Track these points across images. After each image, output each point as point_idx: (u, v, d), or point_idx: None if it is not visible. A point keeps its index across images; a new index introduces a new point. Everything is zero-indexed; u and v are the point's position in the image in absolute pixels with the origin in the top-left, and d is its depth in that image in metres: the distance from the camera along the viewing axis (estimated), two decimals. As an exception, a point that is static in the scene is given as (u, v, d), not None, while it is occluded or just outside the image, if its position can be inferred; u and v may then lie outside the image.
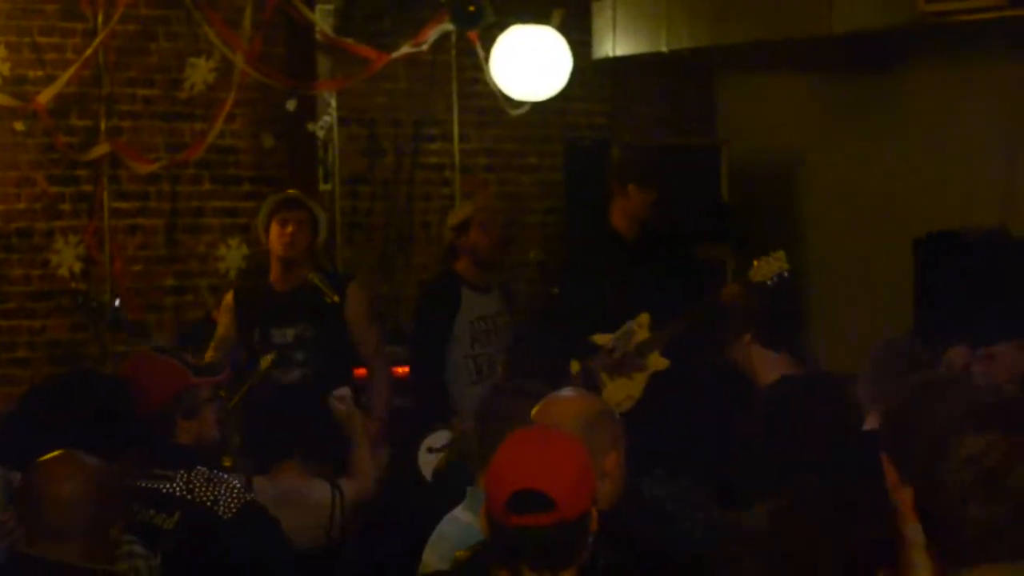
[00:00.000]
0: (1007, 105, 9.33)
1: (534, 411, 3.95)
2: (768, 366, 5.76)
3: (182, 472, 4.64)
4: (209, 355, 7.17)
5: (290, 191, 7.49)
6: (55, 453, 3.94)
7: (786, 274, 7.14)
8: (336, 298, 7.14)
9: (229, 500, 4.67)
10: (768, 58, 10.38)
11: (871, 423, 4.68)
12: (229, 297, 7.45)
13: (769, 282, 7.12)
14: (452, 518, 4.15)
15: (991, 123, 9.44)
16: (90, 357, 8.26)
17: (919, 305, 8.83)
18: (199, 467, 4.69)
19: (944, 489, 2.68)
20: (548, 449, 3.27)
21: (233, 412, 6.47)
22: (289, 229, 7.15)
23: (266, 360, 6.82)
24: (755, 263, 7.22)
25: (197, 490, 4.63)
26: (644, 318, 7.35)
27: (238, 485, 4.77)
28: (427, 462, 7.06)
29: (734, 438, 5.48)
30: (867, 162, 10.11)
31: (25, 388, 6.78)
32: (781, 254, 7.15)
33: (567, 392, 4.14)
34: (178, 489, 4.62)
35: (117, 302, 6.52)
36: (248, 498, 4.77)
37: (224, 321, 7.40)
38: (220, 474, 4.75)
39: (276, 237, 7.19)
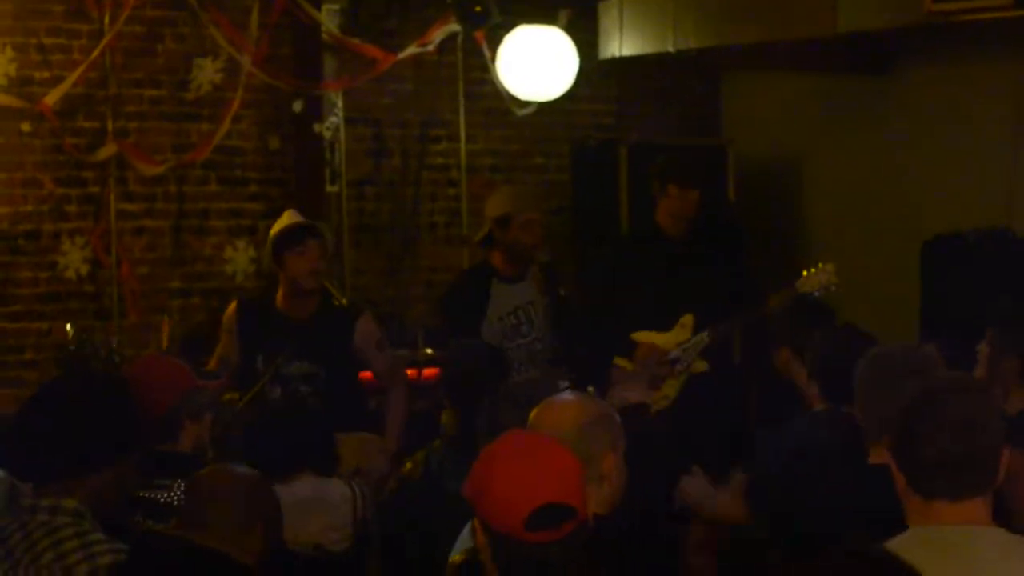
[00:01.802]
0: (1013, 105, 9.31)
1: (531, 416, 3.96)
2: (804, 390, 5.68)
3: (179, 480, 4.62)
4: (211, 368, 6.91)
5: (296, 217, 6.99)
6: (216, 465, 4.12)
7: (833, 288, 7.10)
8: (344, 301, 7.03)
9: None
10: (774, 58, 10.37)
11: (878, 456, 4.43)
12: (232, 310, 7.08)
13: (816, 293, 7.08)
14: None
15: (996, 123, 9.42)
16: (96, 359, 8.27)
17: (926, 307, 8.81)
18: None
19: None
20: (547, 458, 3.26)
21: (243, 414, 6.43)
22: (309, 259, 6.80)
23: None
24: (804, 273, 7.16)
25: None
26: (688, 319, 7.33)
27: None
28: None
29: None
30: (872, 162, 10.10)
31: (32, 390, 6.77)
32: (831, 267, 7.08)
33: (564, 396, 4.14)
34: (175, 498, 4.61)
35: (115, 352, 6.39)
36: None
37: (225, 340, 7.02)
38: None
39: (297, 268, 6.80)
